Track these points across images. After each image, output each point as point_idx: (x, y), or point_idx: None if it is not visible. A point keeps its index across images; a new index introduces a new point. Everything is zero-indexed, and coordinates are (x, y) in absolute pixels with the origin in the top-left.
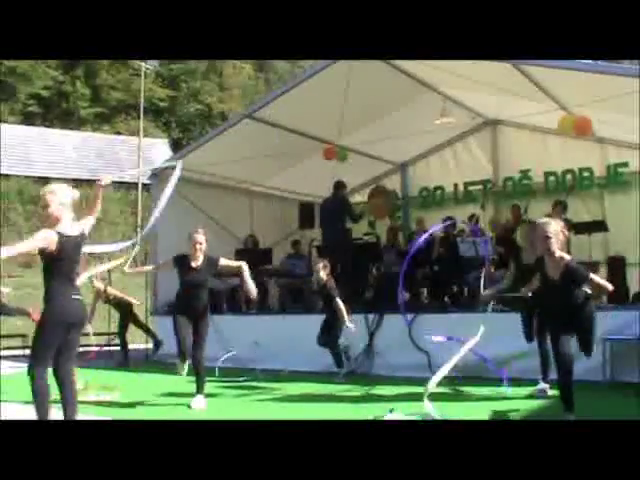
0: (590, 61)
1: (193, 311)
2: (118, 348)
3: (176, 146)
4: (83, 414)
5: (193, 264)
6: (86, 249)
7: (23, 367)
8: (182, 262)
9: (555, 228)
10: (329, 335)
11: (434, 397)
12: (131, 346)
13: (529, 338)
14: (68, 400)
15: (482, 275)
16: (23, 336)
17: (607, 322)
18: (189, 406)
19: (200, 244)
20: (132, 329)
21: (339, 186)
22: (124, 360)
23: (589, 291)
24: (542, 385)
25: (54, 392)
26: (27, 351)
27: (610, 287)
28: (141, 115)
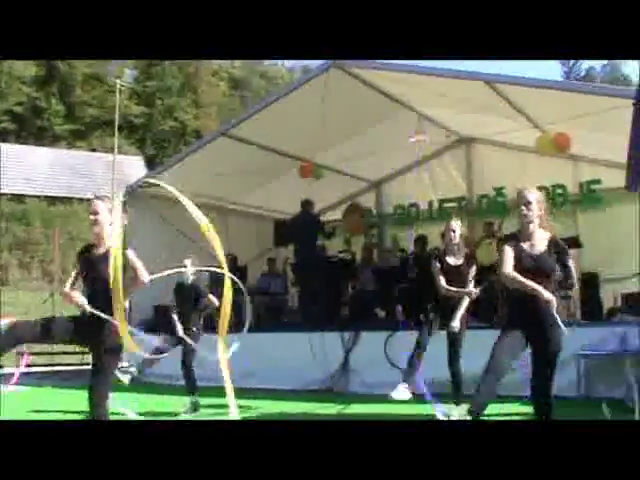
0: (563, 79)
1: None
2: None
3: (150, 163)
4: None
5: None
6: None
7: None
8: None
9: (538, 196)
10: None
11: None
12: None
13: None
14: None
15: None
16: None
17: (581, 338)
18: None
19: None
20: None
21: (307, 204)
22: None
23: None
24: None
25: None
26: None
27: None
28: (116, 132)
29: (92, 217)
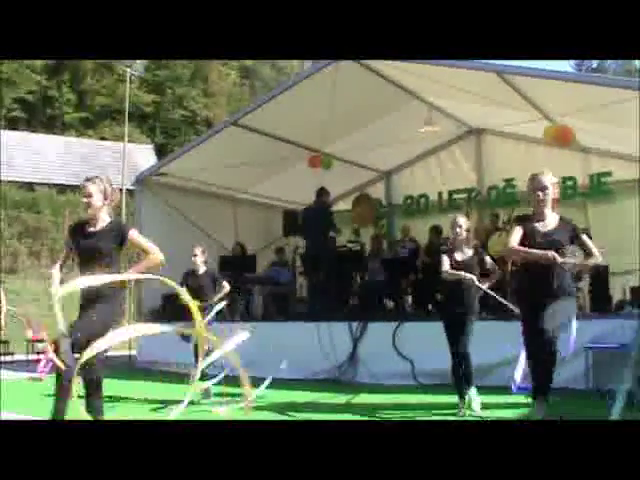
0: (574, 71)
1: None
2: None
3: (160, 152)
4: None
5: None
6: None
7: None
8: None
9: (552, 180)
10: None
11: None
12: (112, 353)
13: None
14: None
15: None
16: (4, 342)
17: (590, 330)
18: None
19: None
20: None
21: (322, 193)
22: None
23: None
24: None
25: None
26: (8, 357)
27: (599, 258)
28: (126, 121)
29: (85, 200)
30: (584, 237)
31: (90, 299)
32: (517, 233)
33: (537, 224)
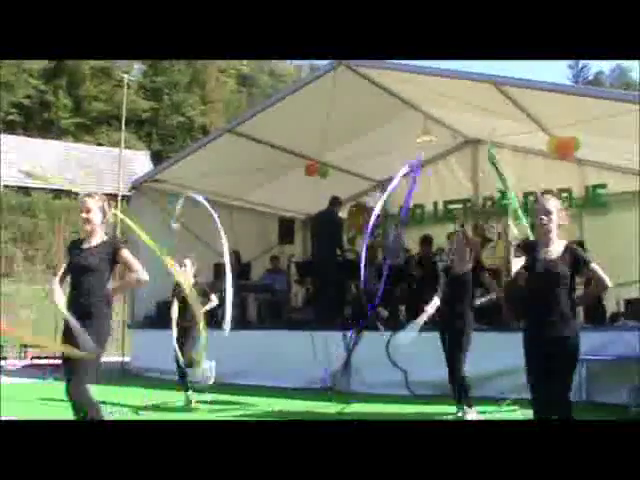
0: (571, 83)
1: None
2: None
3: (157, 158)
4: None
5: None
6: None
7: None
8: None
9: (557, 204)
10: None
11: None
12: (104, 359)
13: None
14: None
15: None
16: None
17: (584, 342)
18: None
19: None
20: None
21: (334, 202)
22: None
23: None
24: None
25: None
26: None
27: (609, 283)
28: (122, 126)
29: (84, 215)
30: (592, 265)
31: (79, 321)
32: (517, 264)
33: (539, 252)
